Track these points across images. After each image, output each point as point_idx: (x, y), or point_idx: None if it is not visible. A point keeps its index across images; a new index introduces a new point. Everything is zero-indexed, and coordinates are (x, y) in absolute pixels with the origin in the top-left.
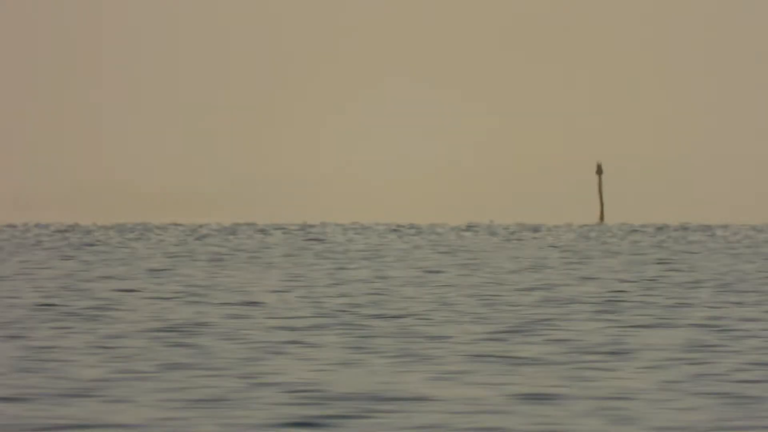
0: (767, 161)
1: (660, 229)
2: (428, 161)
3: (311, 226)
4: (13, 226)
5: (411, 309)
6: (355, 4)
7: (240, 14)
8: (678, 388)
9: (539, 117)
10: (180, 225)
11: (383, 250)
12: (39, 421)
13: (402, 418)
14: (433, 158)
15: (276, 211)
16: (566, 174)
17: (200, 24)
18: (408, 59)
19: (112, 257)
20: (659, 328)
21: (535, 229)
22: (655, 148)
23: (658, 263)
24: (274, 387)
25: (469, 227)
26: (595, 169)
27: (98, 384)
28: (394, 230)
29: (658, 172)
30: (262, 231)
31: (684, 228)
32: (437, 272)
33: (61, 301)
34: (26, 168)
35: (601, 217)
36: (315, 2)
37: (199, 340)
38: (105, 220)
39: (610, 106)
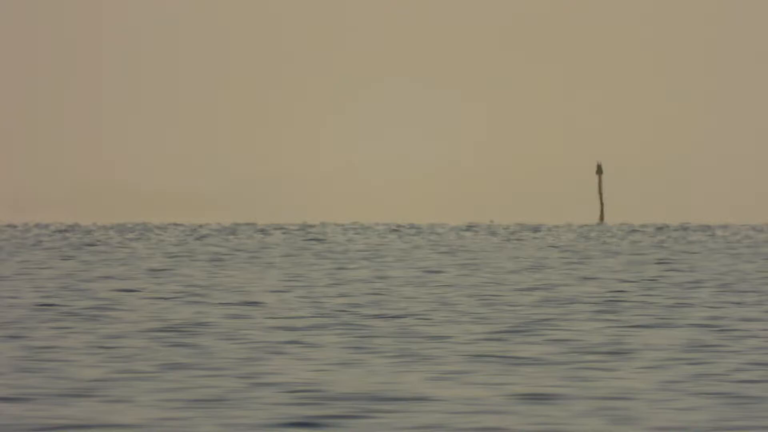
0: (767, 161)
1: (660, 229)
2: (428, 161)
3: (311, 226)
4: (13, 226)
5: (411, 309)
6: (355, 4)
7: (240, 14)
8: (678, 388)
9: (539, 117)
10: (180, 225)
11: (383, 250)
12: (39, 421)
13: (402, 418)
14: (433, 158)
15: (276, 211)
16: (566, 174)
17: (200, 24)
18: (408, 59)
19: (112, 257)
20: (659, 328)
21: (535, 229)
22: (655, 148)
23: (658, 263)
24: (274, 387)
25: (469, 227)
26: (595, 169)
27: (98, 384)
28: (394, 230)
29: (658, 172)
30: (262, 231)
31: (684, 228)
32: (437, 272)
33: (61, 301)
34: (26, 168)
35: (601, 217)
36: (315, 2)
37: (199, 340)
38: (105, 220)
39: (610, 106)
